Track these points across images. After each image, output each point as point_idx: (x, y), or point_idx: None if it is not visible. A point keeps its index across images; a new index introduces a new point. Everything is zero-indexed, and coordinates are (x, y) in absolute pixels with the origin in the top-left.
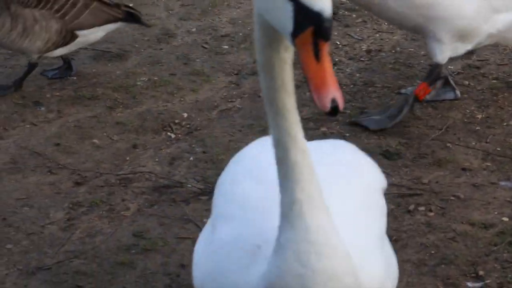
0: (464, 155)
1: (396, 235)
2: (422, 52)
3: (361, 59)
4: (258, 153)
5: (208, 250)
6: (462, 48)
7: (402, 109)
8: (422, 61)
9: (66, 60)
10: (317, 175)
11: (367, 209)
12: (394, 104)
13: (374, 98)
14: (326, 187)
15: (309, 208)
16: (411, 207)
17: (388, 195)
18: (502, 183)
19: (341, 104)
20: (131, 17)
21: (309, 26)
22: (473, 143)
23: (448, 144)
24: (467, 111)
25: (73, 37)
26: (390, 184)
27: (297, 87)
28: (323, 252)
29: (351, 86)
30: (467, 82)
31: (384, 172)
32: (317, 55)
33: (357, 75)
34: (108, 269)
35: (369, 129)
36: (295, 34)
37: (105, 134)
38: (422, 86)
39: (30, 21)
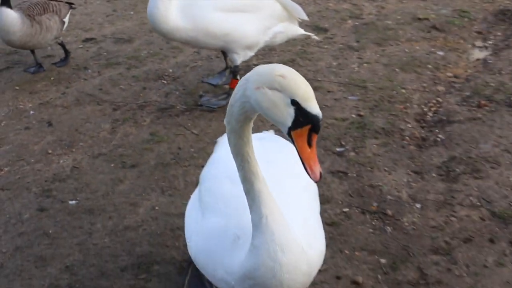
0: (328, 84)
1: None
2: None
3: None
4: (228, 158)
5: (199, 231)
6: (250, 54)
7: (227, 96)
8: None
9: (66, 52)
10: (271, 194)
11: (311, 198)
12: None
13: None
14: (280, 184)
15: (273, 220)
16: None
17: None
18: (350, 97)
19: (322, 173)
20: (71, 5)
21: (307, 124)
22: (332, 78)
23: (319, 79)
24: (327, 61)
25: (63, 23)
26: None
27: None
28: (286, 250)
29: None
30: (326, 47)
31: None
32: (310, 144)
33: None
34: (139, 152)
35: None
36: (293, 129)
37: (127, 82)
38: (233, 81)
39: (47, 21)
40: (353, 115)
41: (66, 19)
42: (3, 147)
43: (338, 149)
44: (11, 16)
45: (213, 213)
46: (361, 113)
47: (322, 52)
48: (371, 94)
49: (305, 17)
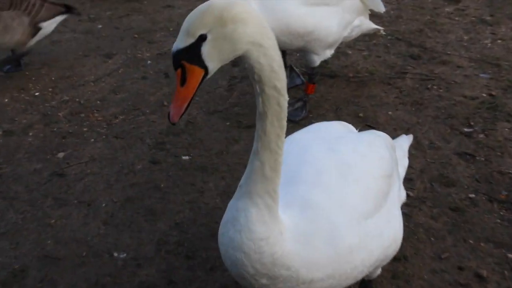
0: (458, 59)
1: (421, 101)
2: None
3: None
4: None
5: None
6: (329, 54)
7: (305, 106)
8: None
9: (17, 57)
10: (268, 176)
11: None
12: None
13: None
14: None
15: (242, 195)
16: (429, 86)
17: (414, 79)
18: (481, 74)
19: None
20: (69, 10)
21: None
22: (463, 53)
23: (448, 53)
24: (458, 34)
25: (38, 29)
26: (416, 73)
27: None
28: (235, 225)
29: None
30: (457, 19)
31: (410, 66)
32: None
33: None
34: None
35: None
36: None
37: None
38: (310, 86)
39: (9, 19)
40: (484, 95)
41: (48, 25)
42: (120, 94)
43: (466, 129)
44: None
45: None
46: (493, 93)
47: (453, 24)
48: (505, 73)
49: (383, 9)
